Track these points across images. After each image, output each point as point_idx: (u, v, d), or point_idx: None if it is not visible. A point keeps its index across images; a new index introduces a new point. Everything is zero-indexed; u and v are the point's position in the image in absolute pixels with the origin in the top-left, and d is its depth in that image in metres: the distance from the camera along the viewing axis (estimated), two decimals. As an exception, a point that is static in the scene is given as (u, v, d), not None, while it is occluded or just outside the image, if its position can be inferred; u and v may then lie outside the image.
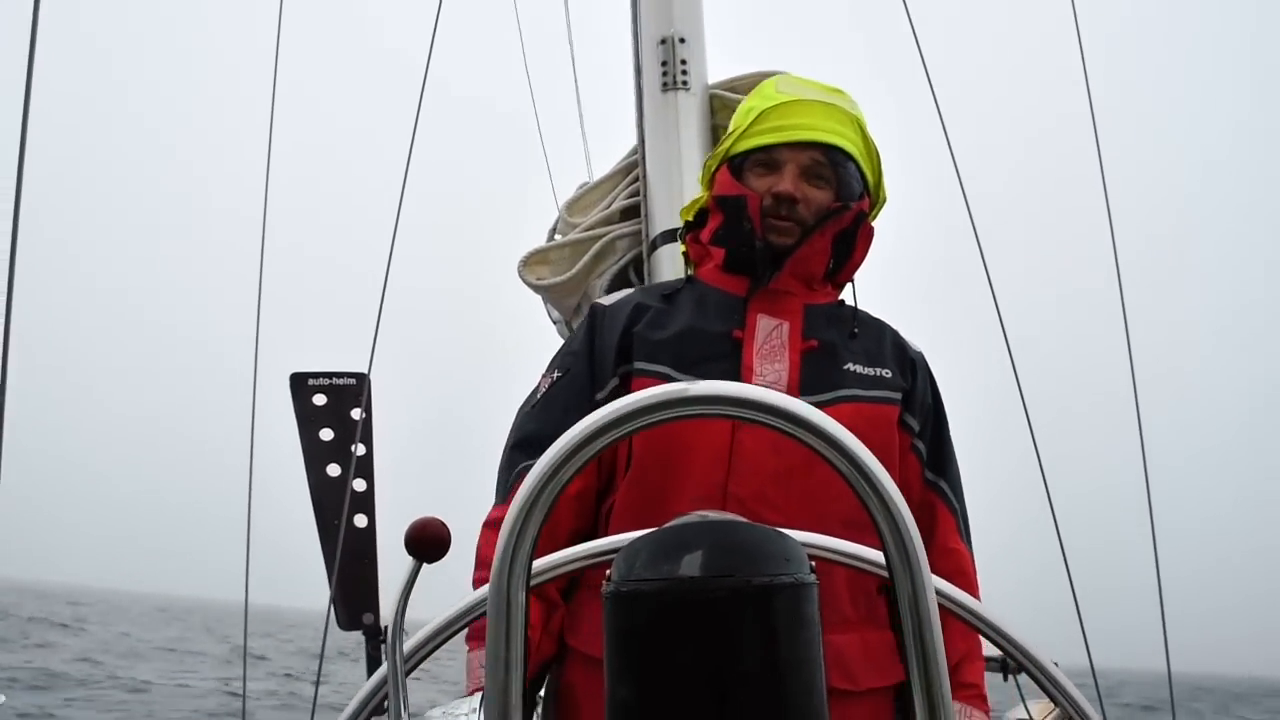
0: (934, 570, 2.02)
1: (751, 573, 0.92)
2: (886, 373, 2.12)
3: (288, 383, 3.35)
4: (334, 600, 3.16)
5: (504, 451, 2.15)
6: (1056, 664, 1.23)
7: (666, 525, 1.00)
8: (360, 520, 3.27)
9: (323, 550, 3.27)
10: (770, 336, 2.08)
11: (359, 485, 3.26)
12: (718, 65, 3.14)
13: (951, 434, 2.25)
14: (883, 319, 2.32)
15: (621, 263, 3.06)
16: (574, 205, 3.20)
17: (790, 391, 2.01)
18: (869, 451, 0.93)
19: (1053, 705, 1.19)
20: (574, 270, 3.04)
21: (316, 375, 3.35)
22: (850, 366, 2.10)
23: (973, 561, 2.18)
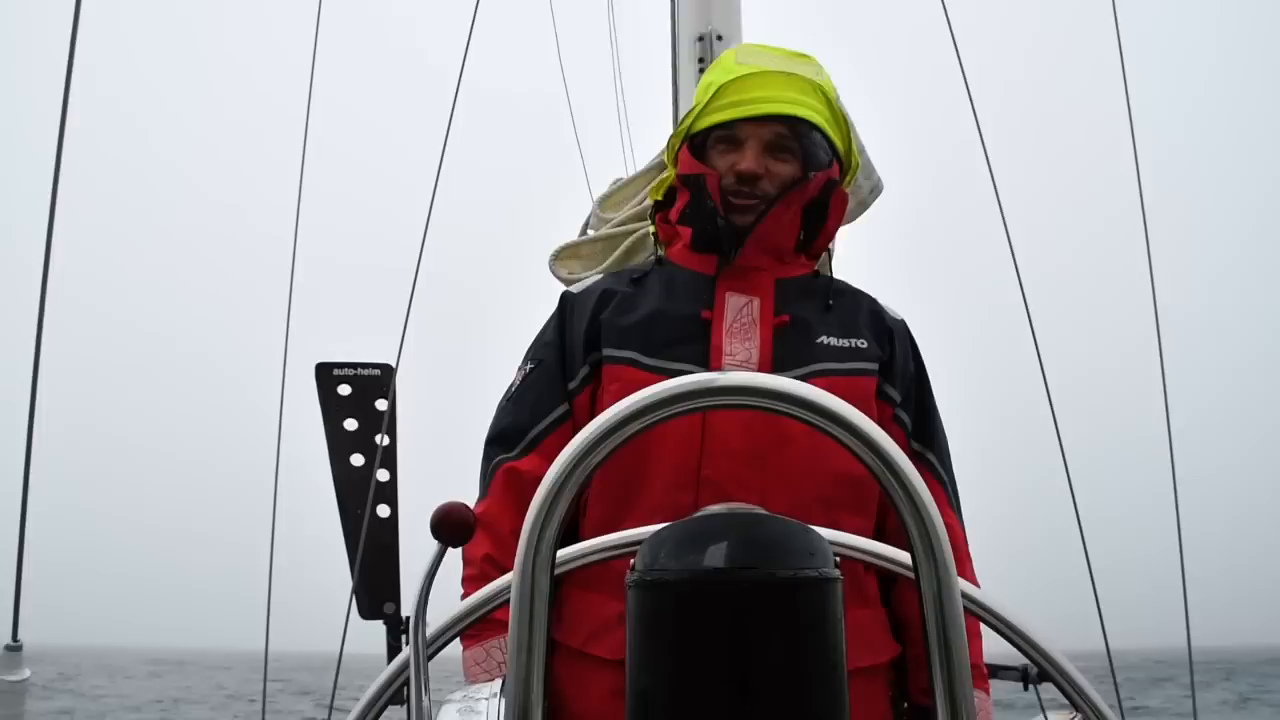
0: None
1: (776, 566, 0.91)
2: (861, 343, 2.08)
3: (313, 372, 3.36)
4: (355, 589, 3.17)
5: (483, 447, 2.15)
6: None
7: (692, 516, 1.00)
8: (383, 510, 3.28)
9: (345, 540, 3.29)
10: (740, 314, 2.05)
11: (383, 476, 3.27)
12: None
13: (937, 402, 2.21)
14: (860, 288, 2.27)
15: (653, 258, 3.06)
16: (607, 201, 3.20)
17: (762, 369, 1.98)
18: (899, 448, 0.92)
19: (1073, 713, 1.17)
20: (605, 265, 3.04)
21: (342, 366, 3.35)
22: (824, 339, 2.06)
23: (964, 534, 2.15)
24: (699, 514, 0.99)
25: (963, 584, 1.13)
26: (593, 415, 2.01)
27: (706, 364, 1.99)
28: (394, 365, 3.27)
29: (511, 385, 2.19)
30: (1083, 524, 3.07)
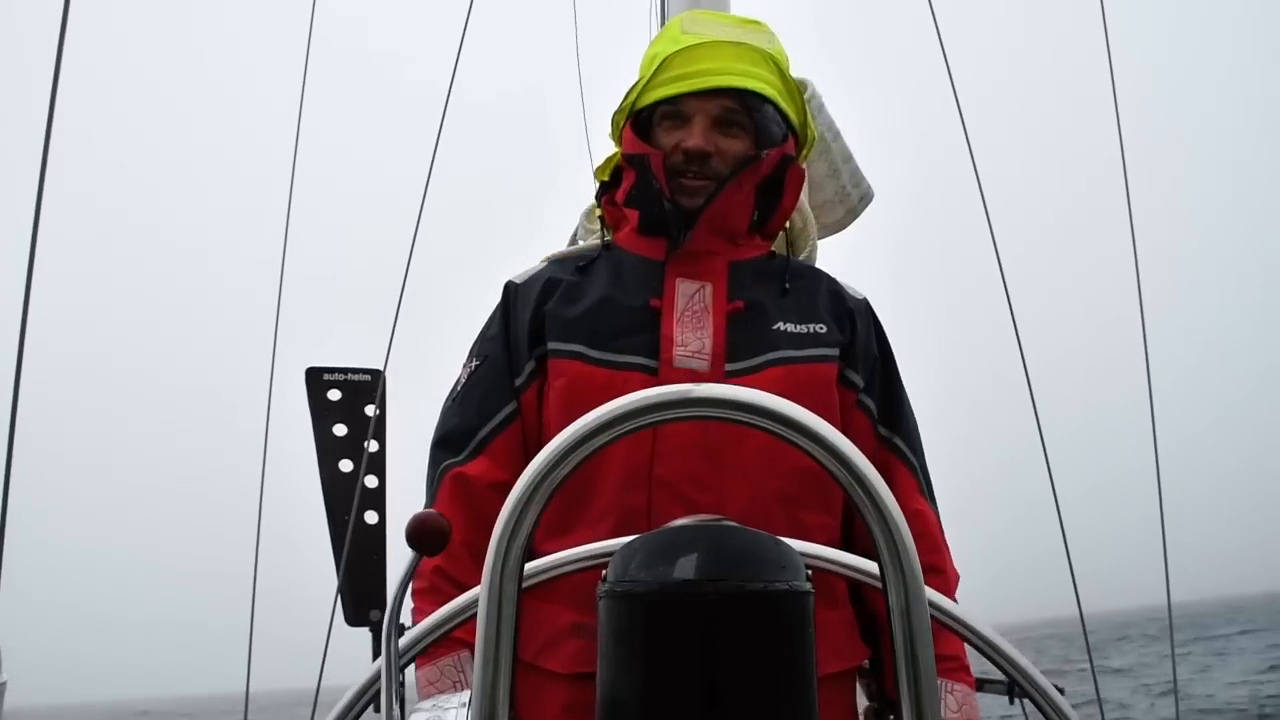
0: None
1: (746, 578, 0.92)
2: (821, 328, 1.98)
3: (303, 376, 3.36)
4: (341, 595, 3.17)
5: (430, 449, 2.05)
6: (1061, 690, 1.21)
7: (664, 527, 1.00)
8: (371, 517, 3.27)
9: (332, 545, 3.28)
10: (692, 301, 1.94)
11: (371, 481, 3.27)
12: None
13: (904, 383, 2.11)
14: (820, 268, 2.18)
15: (601, 243, 3.04)
16: (592, 213, 3.20)
17: (716, 360, 1.89)
18: (867, 461, 0.92)
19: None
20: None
21: (332, 370, 3.35)
22: (780, 326, 1.96)
23: (938, 521, 2.04)
24: (671, 525, 1.00)
25: (933, 596, 1.14)
26: (541, 412, 1.96)
27: (656, 355, 1.89)
28: (383, 370, 3.27)
29: (457, 383, 2.07)
30: (1057, 491, 3.07)
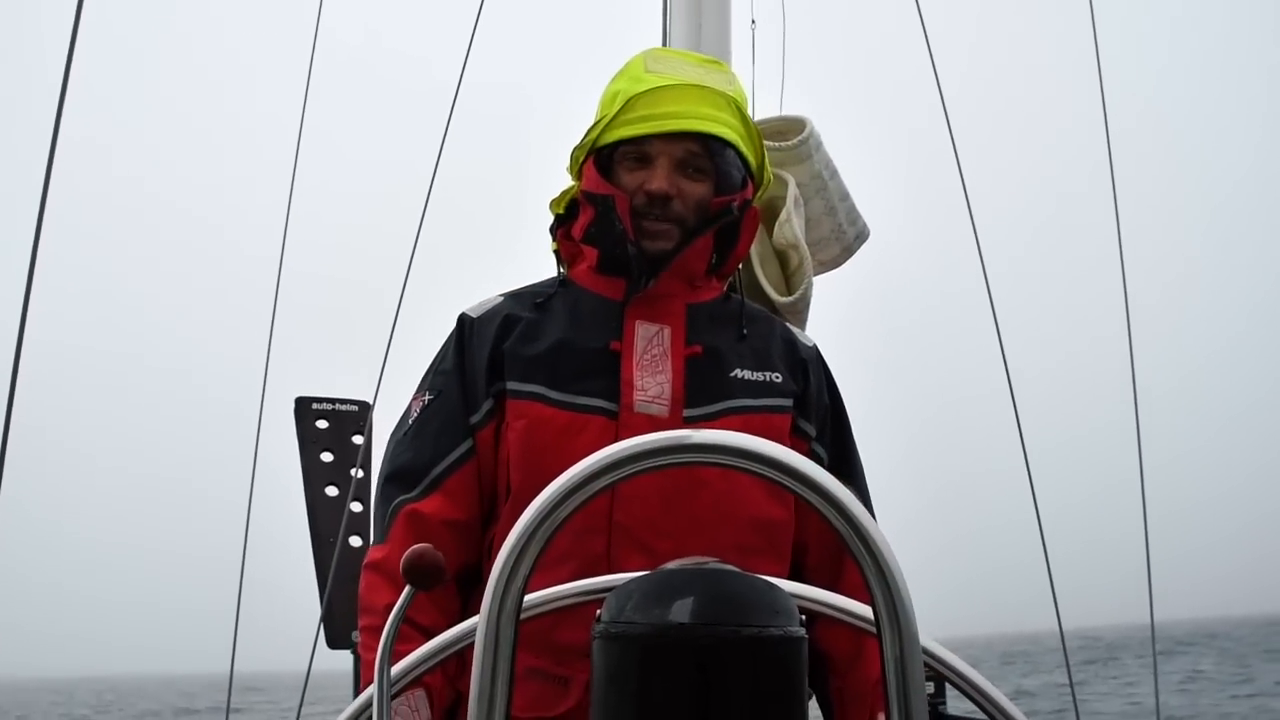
0: (847, 580, 1.92)
1: (740, 623, 0.92)
2: (777, 376, 1.99)
3: (292, 406, 3.39)
4: (324, 618, 3.17)
5: (378, 485, 2.01)
6: None
7: (661, 569, 1.00)
8: (355, 541, 3.29)
9: (316, 568, 3.29)
10: (650, 344, 1.93)
11: (356, 507, 3.29)
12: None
13: (854, 433, 2.11)
14: (772, 315, 2.18)
15: (557, 279, 3.04)
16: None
17: (674, 404, 1.89)
18: (863, 507, 0.93)
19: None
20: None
21: (320, 400, 3.39)
22: (737, 373, 1.96)
23: None
24: (667, 567, 1.00)
25: (927, 643, 1.14)
26: (497, 451, 1.94)
27: (617, 399, 1.89)
28: (371, 404, 3.29)
29: (408, 416, 2.04)
30: (1039, 508, 3.08)
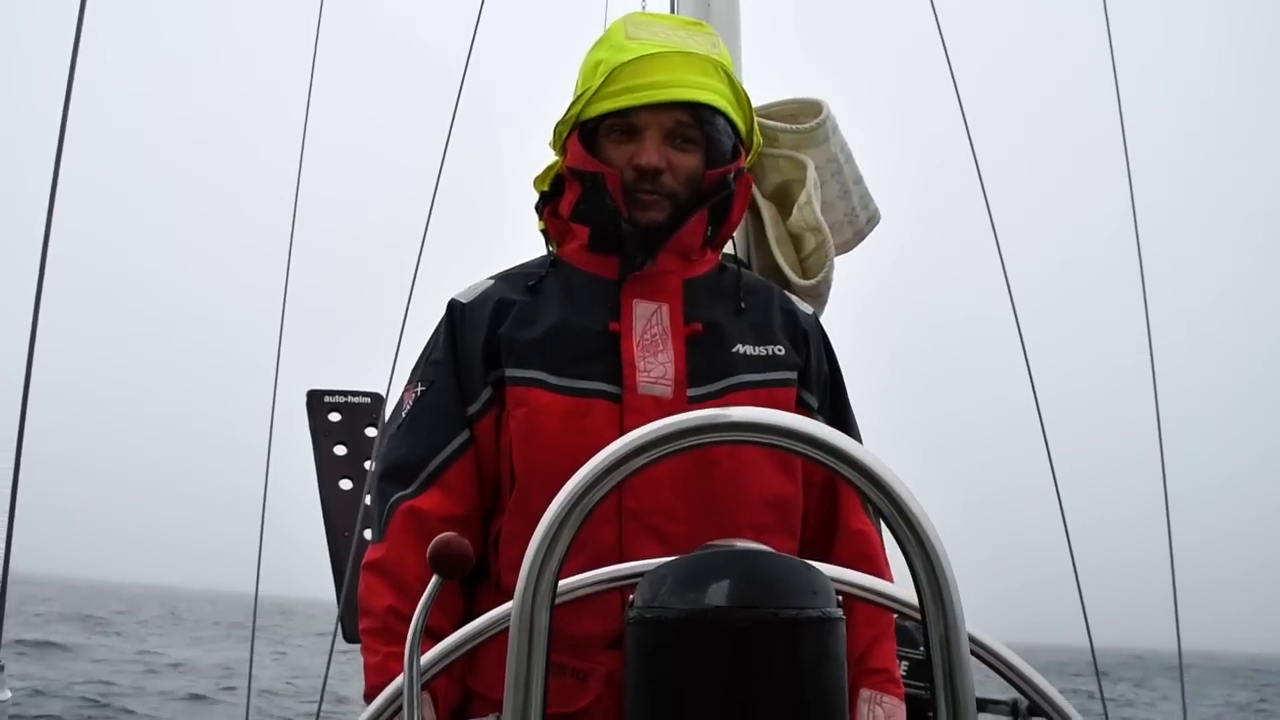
0: (839, 553, 1.90)
1: (777, 605, 0.90)
2: (779, 349, 1.93)
3: (304, 399, 3.38)
4: (341, 613, 3.15)
5: (374, 481, 1.95)
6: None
7: (694, 553, 0.98)
8: (370, 534, 3.28)
9: (331, 563, 3.27)
10: (649, 324, 1.88)
11: (370, 500, 3.27)
12: (756, 91, 3.12)
13: (851, 402, 2.06)
14: (770, 284, 2.12)
15: (548, 258, 3.02)
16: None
17: (678, 385, 1.84)
18: (906, 485, 0.91)
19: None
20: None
21: (333, 393, 3.36)
22: (740, 348, 1.90)
23: (881, 542, 1.96)
24: (701, 550, 0.98)
25: (970, 628, 1.12)
26: (498, 440, 1.88)
27: (619, 381, 1.84)
28: (385, 395, 3.27)
29: (400, 410, 1.97)
30: (1069, 531, 3.07)
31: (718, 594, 0.90)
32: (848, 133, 2.70)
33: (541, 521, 0.90)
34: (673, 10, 3.27)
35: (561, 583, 1.20)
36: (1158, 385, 3.35)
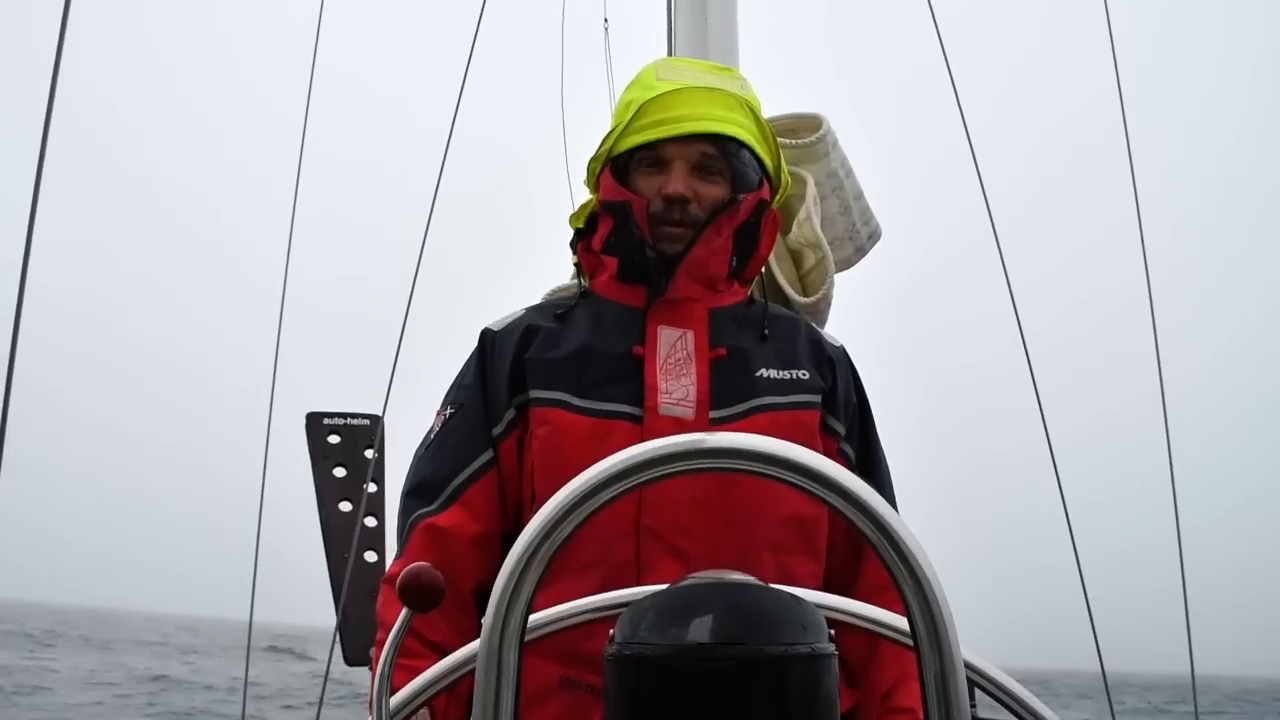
0: (867, 584, 1.88)
1: (765, 641, 0.85)
2: (803, 374, 1.96)
3: (304, 421, 3.36)
4: (340, 634, 3.13)
5: (400, 500, 1.99)
6: None
7: (678, 584, 0.93)
8: (370, 556, 3.25)
9: (331, 585, 3.25)
10: (674, 349, 1.91)
11: (370, 522, 3.25)
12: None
13: (879, 433, 2.09)
14: (797, 315, 2.16)
15: (578, 291, 3.00)
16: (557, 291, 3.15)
17: (700, 407, 1.86)
18: (891, 509, 0.86)
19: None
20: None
21: (331, 415, 3.35)
22: (763, 372, 1.93)
23: None
24: (683, 582, 0.93)
25: (968, 655, 1.07)
26: (521, 462, 1.91)
27: (640, 403, 1.86)
28: (381, 415, 3.25)
29: (430, 432, 2.02)
30: (1080, 557, 3.04)
31: (700, 630, 0.85)
32: (849, 140, 2.67)
33: (509, 557, 0.85)
34: (670, 30, 3.25)
35: (536, 616, 1.16)
36: (1167, 405, 3.32)
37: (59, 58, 1.78)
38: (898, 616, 1.12)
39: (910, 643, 0.88)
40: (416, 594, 0.97)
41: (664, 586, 0.95)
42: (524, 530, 0.86)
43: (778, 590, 0.92)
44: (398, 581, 0.99)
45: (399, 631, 0.99)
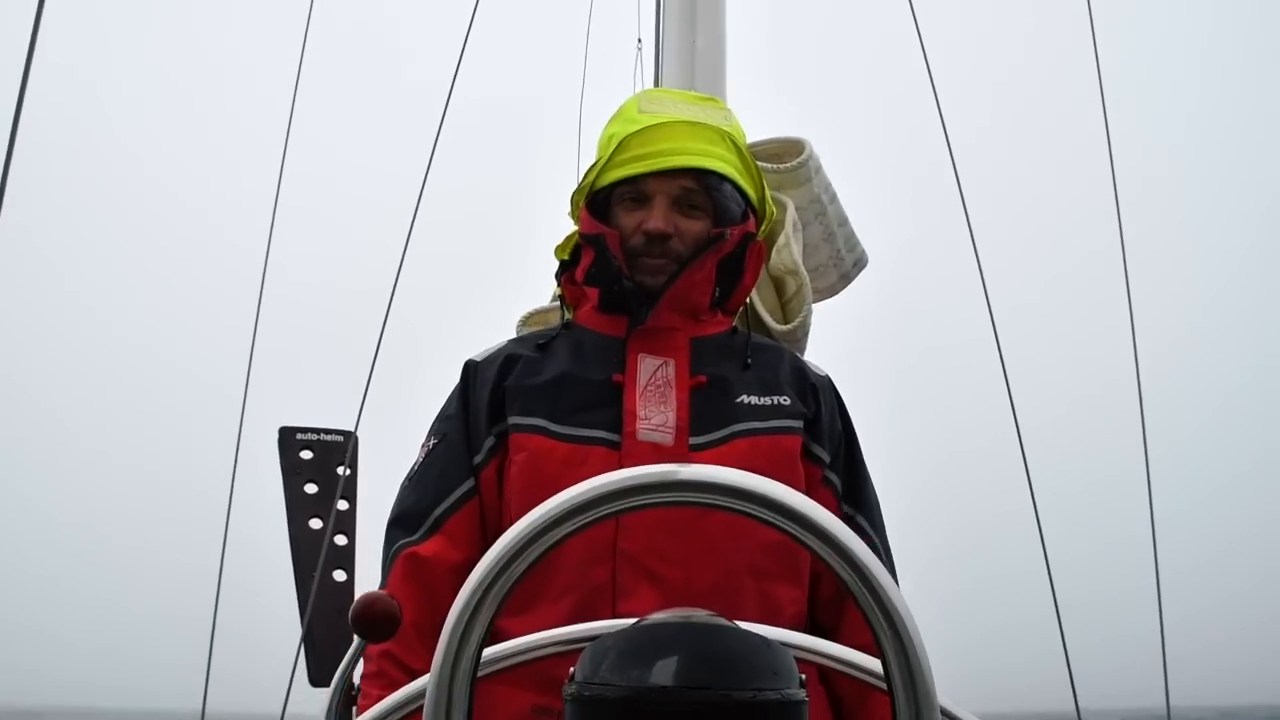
0: (851, 617, 1.83)
1: (731, 686, 0.81)
2: (784, 400, 1.94)
3: (276, 435, 3.32)
4: (307, 655, 3.08)
5: (384, 529, 1.99)
6: None
7: (643, 621, 0.89)
8: (339, 575, 3.21)
9: (298, 603, 3.20)
10: (654, 377, 1.91)
11: (340, 540, 3.21)
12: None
13: (866, 461, 2.07)
14: (781, 346, 2.16)
15: (561, 322, 2.98)
16: (526, 319, 3.12)
17: (679, 433, 1.85)
18: (865, 546, 0.82)
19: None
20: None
21: (304, 430, 3.32)
22: (744, 399, 1.91)
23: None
24: (648, 620, 0.89)
25: (944, 701, 1.03)
26: (501, 489, 1.91)
27: (620, 429, 1.85)
28: (354, 431, 3.22)
29: (415, 463, 2.02)
30: (1055, 585, 3.01)
31: (664, 672, 0.81)
32: (833, 164, 2.64)
33: (462, 590, 0.81)
34: (658, 56, 3.23)
35: (492, 650, 1.11)
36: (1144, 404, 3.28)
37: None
38: (874, 660, 1.08)
39: (885, 687, 0.84)
40: (369, 625, 0.93)
41: (629, 622, 0.91)
42: (477, 565, 0.82)
43: (746, 631, 0.88)
44: (351, 610, 0.95)
45: (349, 662, 0.95)
